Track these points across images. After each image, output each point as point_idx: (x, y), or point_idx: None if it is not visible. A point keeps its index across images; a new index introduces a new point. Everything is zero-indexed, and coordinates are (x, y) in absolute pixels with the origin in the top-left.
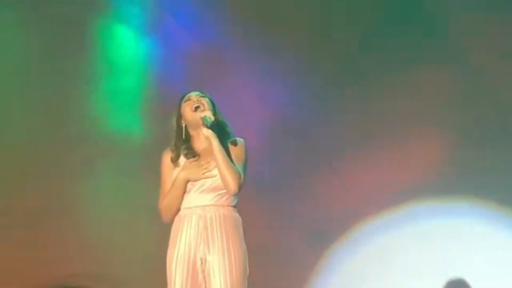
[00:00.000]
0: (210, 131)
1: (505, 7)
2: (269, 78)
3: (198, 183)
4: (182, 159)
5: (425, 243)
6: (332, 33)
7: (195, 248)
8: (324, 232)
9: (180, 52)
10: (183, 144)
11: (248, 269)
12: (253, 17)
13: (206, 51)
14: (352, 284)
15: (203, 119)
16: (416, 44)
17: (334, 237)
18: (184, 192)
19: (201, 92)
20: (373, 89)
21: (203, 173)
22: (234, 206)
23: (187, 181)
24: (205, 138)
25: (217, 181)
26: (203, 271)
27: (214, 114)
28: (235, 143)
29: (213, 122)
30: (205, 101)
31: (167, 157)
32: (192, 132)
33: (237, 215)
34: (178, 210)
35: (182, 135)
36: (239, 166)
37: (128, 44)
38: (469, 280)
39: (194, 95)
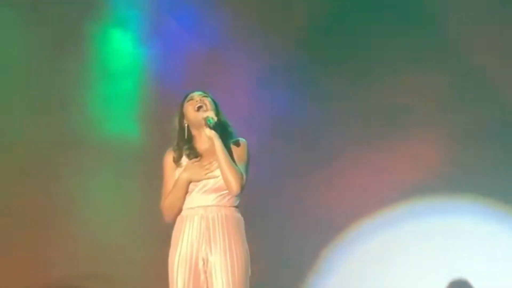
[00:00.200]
0: (212, 131)
1: (505, 7)
2: (269, 79)
3: (201, 184)
4: (184, 159)
5: (425, 241)
6: (332, 33)
7: (197, 248)
8: (324, 231)
9: (178, 54)
10: (185, 144)
11: (250, 269)
12: (252, 17)
13: (205, 53)
14: (352, 283)
15: (206, 119)
16: (416, 44)
17: (333, 236)
18: (186, 192)
19: (204, 92)
20: (374, 88)
21: (205, 174)
22: (236, 207)
23: (189, 182)
24: (207, 138)
25: (219, 181)
26: (205, 272)
27: (217, 114)
28: (237, 144)
29: (215, 123)
30: (207, 101)
31: (169, 157)
32: (194, 132)
33: (239, 215)
34: (180, 210)
35: (184, 135)
36: (241, 167)
37: (126, 47)
38: (469, 278)
39: (196, 95)
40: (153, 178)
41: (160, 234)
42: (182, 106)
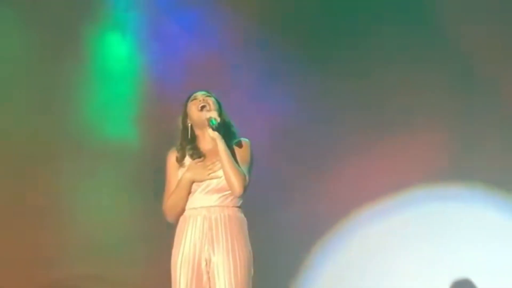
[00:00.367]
0: (216, 133)
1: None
2: (269, 80)
3: (203, 184)
4: (187, 159)
5: (425, 231)
6: (332, 33)
7: (200, 249)
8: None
9: (177, 56)
10: (189, 144)
11: (252, 269)
12: (252, 19)
13: (203, 54)
14: (349, 276)
15: (209, 120)
16: (417, 43)
17: (329, 228)
18: (189, 192)
19: (207, 92)
20: (373, 86)
21: (208, 174)
22: (239, 207)
23: (192, 182)
24: (210, 139)
25: (222, 182)
26: (208, 272)
27: (220, 114)
28: (240, 144)
29: (219, 124)
30: (211, 100)
31: (172, 157)
32: (197, 132)
33: (242, 215)
34: (183, 210)
35: (188, 135)
36: (244, 168)
37: (125, 49)
38: (470, 268)
39: (200, 94)
40: (153, 179)
41: (160, 235)
42: (185, 105)
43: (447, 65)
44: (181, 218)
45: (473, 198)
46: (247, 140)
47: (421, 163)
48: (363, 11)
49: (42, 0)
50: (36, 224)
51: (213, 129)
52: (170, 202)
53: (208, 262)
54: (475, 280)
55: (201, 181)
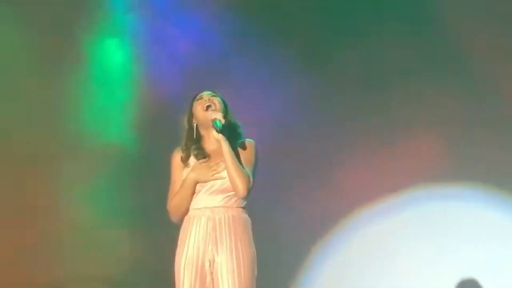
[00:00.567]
0: (220, 135)
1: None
2: (270, 82)
3: (208, 185)
4: (192, 159)
5: (426, 230)
6: (333, 33)
7: (203, 250)
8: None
9: (176, 60)
10: (194, 144)
11: (256, 270)
12: (252, 22)
13: (202, 59)
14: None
15: (213, 122)
16: (418, 44)
17: (331, 235)
18: (193, 193)
19: (213, 92)
20: (374, 87)
21: (213, 175)
22: (243, 207)
23: (197, 182)
24: (215, 139)
25: (226, 183)
26: (211, 273)
27: (226, 114)
28: (245, 145)
29: (223, 125)
30: (216, 100)
31: (177, 156)
32: (203, 132)
33: (246, 216)
34: (187, 210)
35: (193, 134)
36: (249, 169)
37: (123, 53)
38: (472, 267)
39: (206, 94)
40: (153, 180)
41: (161, 235)
42: (191, 105)
43: (447, 65)
44: (186, 218)
45: (473, 198)
46: (252, 141)
47: (421, 163)
48: (365, 12)
49: (41, 4)
50: (36, 224)
51: (217, 132)
52: (174, 201)
53: (212, 263)
54: (475, 279)
55: (205, 181)
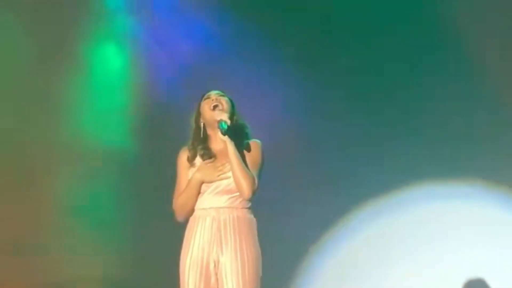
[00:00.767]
0: (226, 136)
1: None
2: (270, 83)
3: (213, 185)
4: (198, 159)
5: (425, 227)
6: (333, 34)
7: (208, 250)
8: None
9: (175, 63)
10: (200, 144)
11: (261, 270)
12: (252, 25)
13: (202, 59)
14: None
15: (219, 123)
16: (418, 44)
17: (332, 235)
18: (199, 193)
19: (221, 92)
20: (374, 86)
21: (218, 175)
22: (249, 208)
23: (202, 182)
24: (222, 139)
25: (232, 183)
26: (216, 274)
27: (233, 115)
28: (251, 146)
29: (228, 127)
30: (224, 100)
31: (183, 156)
32: (209, 131)
33: (252, 216)
34: (192, 209)
35: (200, 134)
36: (254, 171)
37: (122, 57)
38: (471, 268)
39: (213, 94)
40: (153, 180)
41: (161, 236)
42: (199, 104)
43: (447, 65)
44: (191, 218)
45: (474, 196)
46: (258, 141)
47: (421, 162)
48: (365, 12)
49: (40, 8)
50: (37, 225)
51: (222, 134)
52: (179, 201)
53: (217, 263)
54: (475, 278)
55: (211, 182)
